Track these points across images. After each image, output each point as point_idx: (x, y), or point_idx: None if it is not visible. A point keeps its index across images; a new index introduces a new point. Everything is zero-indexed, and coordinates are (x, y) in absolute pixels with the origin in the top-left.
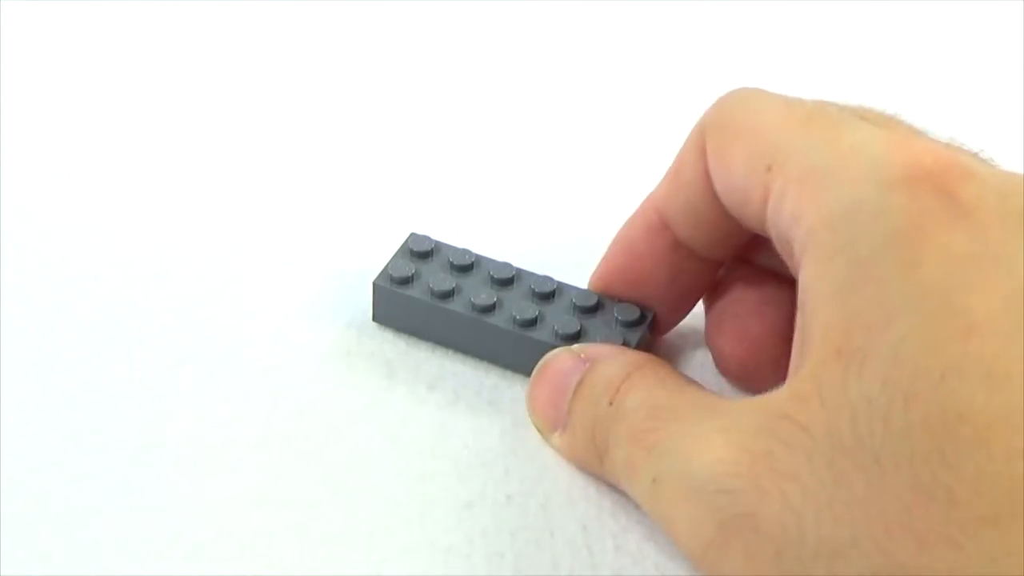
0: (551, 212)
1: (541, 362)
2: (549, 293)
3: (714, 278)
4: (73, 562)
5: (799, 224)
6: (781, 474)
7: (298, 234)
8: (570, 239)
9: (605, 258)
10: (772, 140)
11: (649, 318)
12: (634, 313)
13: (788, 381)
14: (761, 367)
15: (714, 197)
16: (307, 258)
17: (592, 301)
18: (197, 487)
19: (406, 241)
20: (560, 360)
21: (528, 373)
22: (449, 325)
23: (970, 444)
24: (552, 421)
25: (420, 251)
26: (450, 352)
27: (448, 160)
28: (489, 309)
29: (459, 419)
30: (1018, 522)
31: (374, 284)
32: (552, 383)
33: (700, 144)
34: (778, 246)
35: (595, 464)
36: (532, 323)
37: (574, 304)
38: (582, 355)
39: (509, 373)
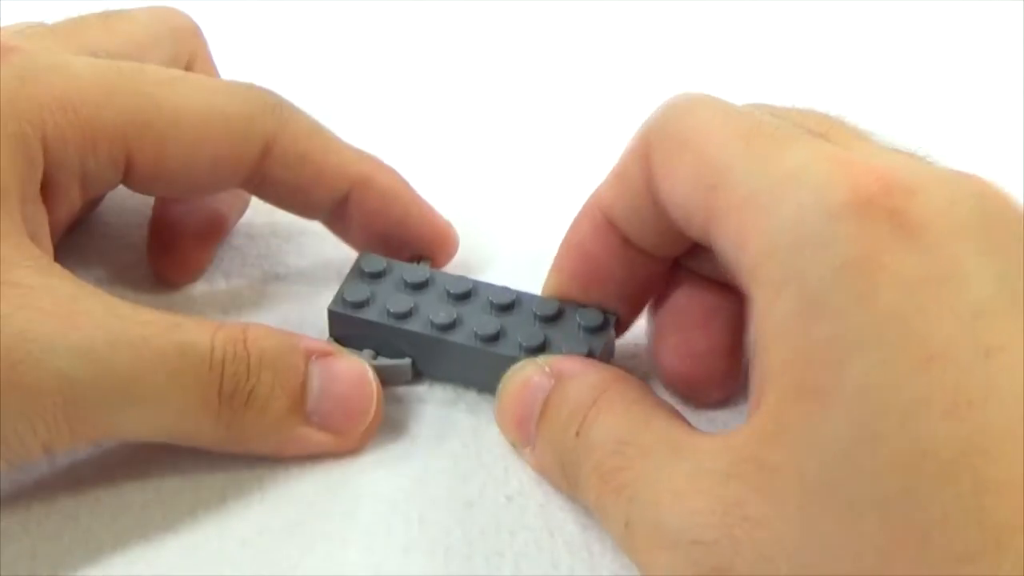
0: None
1: (506, 376)
2: (508, 304)
3: (667, 273)
4: (70, 561)
5: (745, 250)
6: (753, 523)
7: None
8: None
9: (556, 262)
10: (714, 158)
11: (612, 321)
12: (597, 318)
13: (750, 417)
14: (708, 383)
15: (658, 204)
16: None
17: (553, 309)
18: (197, 487)
19: (357, 262)
20: (525, 374)
21: (493, 390)
22: (410, 346)
23: (937, 481)
24: (522, 438)
25: (373, 272)
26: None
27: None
28: (449, 327)
29: (459, 419)
30: (992, 557)
31: (329, 310)
32: (519, 399)
33: (644, 152)
34: (724, 263)
35: (567, 489)
36: (495, 338)
37: (535, 314)
38: (547, 369)
39: None
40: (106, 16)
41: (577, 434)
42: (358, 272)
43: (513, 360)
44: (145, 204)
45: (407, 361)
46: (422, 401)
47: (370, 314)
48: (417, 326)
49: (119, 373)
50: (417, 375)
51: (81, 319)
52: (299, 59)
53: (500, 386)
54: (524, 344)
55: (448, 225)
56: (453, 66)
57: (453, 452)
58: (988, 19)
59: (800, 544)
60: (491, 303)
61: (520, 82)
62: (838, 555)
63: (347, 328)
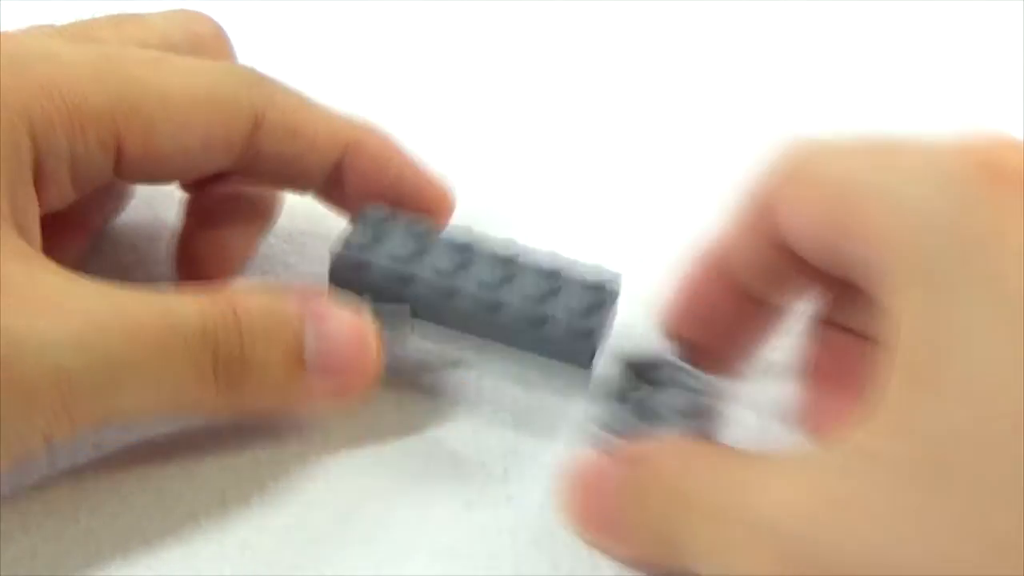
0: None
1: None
2: (511, 257)
3: (779, 321)
4: (70, 562)
5: (873, 249)
6: (854, 506)
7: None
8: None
9: (671, 301)
10: (841, 175)
11: (617, 282)
12: (599, 273)
13: (866, 418)
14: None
15: (783, 246)
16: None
17: (555, 264)
18: (197, 487)
19: (361, 210)
20: (594, 463)
21: (493, 338)
22: (411, 292)
23: None
24: (603, 533)
25: (377, 218)
26: (450, 350)
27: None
28: (452, 273)
29: (459, 419)
30: None
31: (331, 252)
32: (589, 487)
33: (767, 201)
34: (856, 278)
35: (673, 560)
36: (497, 286)
37: (540, 267)
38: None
39: (510, 373)
40: (119, 19)
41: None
42: (361, 219)
43: (513, 308)
44: (170, 224)
45: (405, 306)
46: (422, 401)
47: (373, 256)
48: (420, 270)
49: (112, 359)
50: (415, 316)
51: (69, 309)
52: (299, 59)
53: (567, 481)
54: (527, 293)
55: (444, 183)
56: (454, 66)
57: (453, 452)
58: (988, 19)
59: (914, 525)
60: (495, 254)
61: (521, 82)
62: (956, 532)
63: (348, 272)
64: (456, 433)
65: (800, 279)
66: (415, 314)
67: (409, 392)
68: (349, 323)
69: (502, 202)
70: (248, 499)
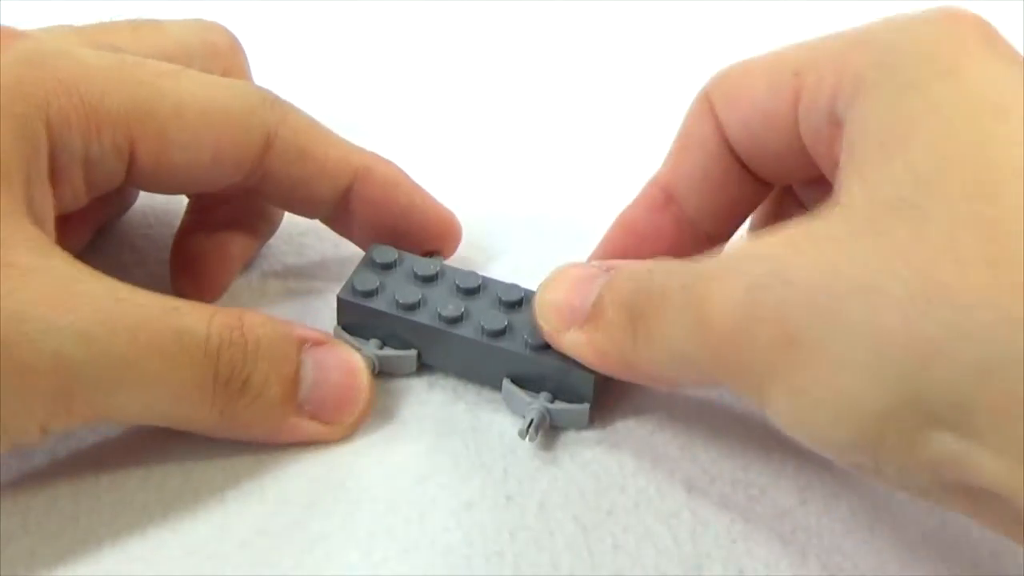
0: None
1: (555, 271)
2: (516, 301)
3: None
4: (70, 561)
5: (843, 85)
6: (817, 238)
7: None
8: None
9: (606, 239)
10: (792, 54)
11: None
12: None
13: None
14: None
15: (725, 153)
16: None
17: None
18: (197, 487)
19: (368, 252)
20: (579, 268)
21: (496, 385)
22: (416, 337)
23: (1009, 176)
24: (568, 319)
25: (384, 262)
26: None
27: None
28: (456, 320)
29: (459, 419)
30: None
31: (338, 298)
32: (570, 284)
33: (705, 105)
34: (811, 146)
35: (626, 344)
36: (500, 333)
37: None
38: (602, 266)
39: None
40: (137, 25)
41: (650, 270)
42: (369, 262)
43: (517, 356)
44: (169, 224)
45: (412, 352)
46: (422, 402)
47: (378, 303)
48: (424, 318)
49: (115, 356)
50: (422, 367)
51: (79, 301)
52: (301, 62)
53: (547, 279)
54: (529, 341)
55: (451, 214)
56: (455, 66)
57: (453, 452)
58: (987, 19)
59: (866, 244)
60: (499, 299)
61: (522, 81)
62: (903, 247)
63: (355, 316)
64: (456, 433)
65: (742, 191)
66: (420, 358)
67: (409, 393)
68: (345, 368)
69: (503, 229)
70: (248, 499)
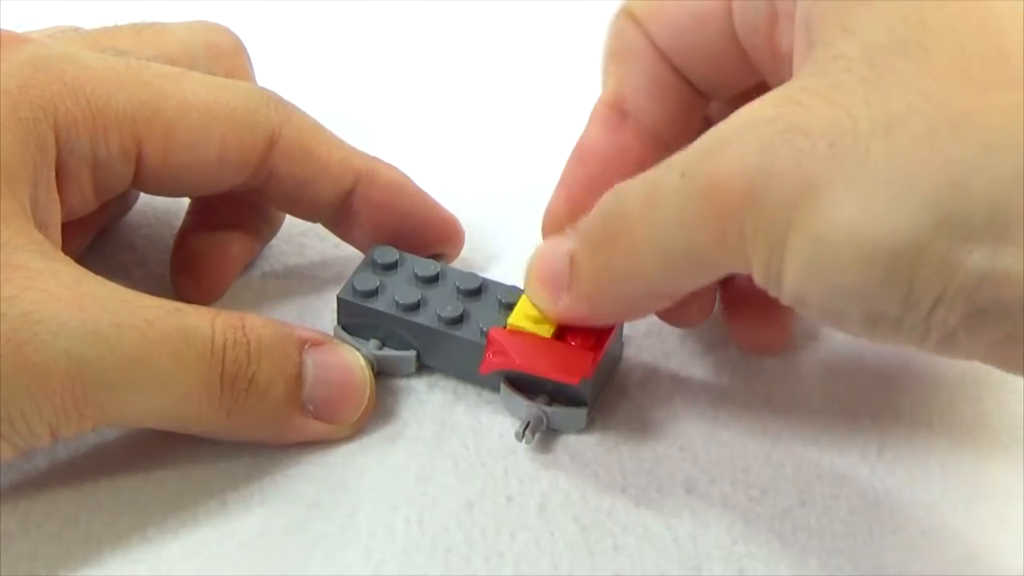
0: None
1: (530, 260)
2: (516, 303)
3: None
4: (70, 562)
5: None
6: (819, 91)
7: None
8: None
9: (565, 173)
10: None
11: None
12: None
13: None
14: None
15: (661, 61)
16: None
17: None
18: (197, 489)
19: (370, 252)
20: (549, 240)
21: (495, 386)
22: (416, 338)
23: (1008, 14)
24: (555, 286)
25: (385, 263)
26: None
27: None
28: (456, 321)
29: (459, 419)
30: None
31: (338, 297)
32: (546, 254)
33: (628, 20)
34: (747, 38)
35: (608, 271)
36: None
37: None
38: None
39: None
40: (140, 27)
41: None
42: (370, 262)
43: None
44: (169, 224)
45: (411, 353)
46: (422, 402)
47: (378, 304)
48: (424, 319)
49: (125, 355)
50: (421, 367)
51: (87, 301)
52: (304, 63)
53: (528, 271)
54: None
55: (454, 218)
56: (457, 68)
57: (453, 452)
58: None
59: (876, 84)
60: (500, 301)
61: (523, 84)
62: (914, 81)
63: (355, 316)
64: (456, 433)
65: (689, 100)
66: (420, 359)
67: (409, 393)
68: (346, 367)
69: (504, 230)
70: (248, 499)
